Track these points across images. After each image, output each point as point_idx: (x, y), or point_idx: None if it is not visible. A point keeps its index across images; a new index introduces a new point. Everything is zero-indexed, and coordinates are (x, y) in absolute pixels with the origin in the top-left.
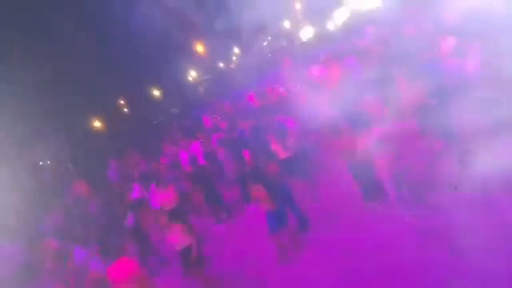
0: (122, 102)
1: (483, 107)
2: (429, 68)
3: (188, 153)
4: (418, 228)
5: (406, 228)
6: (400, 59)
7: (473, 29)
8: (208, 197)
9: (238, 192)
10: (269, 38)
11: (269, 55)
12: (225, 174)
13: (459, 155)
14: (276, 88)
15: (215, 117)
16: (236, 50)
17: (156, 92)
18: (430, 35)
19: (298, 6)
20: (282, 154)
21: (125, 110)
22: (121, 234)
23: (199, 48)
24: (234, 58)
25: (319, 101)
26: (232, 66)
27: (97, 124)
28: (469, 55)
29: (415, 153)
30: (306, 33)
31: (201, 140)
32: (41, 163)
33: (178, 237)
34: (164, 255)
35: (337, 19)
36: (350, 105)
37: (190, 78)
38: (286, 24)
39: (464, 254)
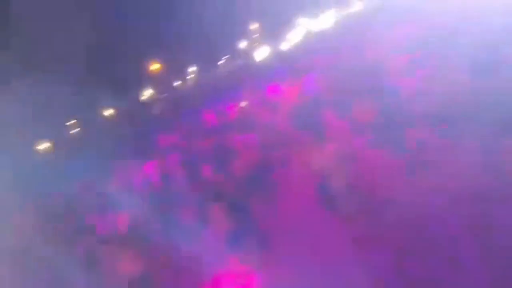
0: (73, 124)
1: (433, 122)
2: (384, 85)
3: (143, 175)
4: (375, 242)
5: (366, 242)
6: (356, 76)
7: (427, 48)
8: (164, 220)
9: (196, 213)
10: (226, 56)
11: (227, 74)
12: (183, 195)
13: (412, 169)
14: (235, 105)
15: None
16: (193, 68)
17: (108, 113)
18: (385, 53)
19: (254, 26)
20: (243, 171)
21: (76, 132)
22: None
23: (154, 66)
24: (191, 76)
25: (278, 118)
26: (189, 84)
27: (44, 147)
28: (422, 72)
29: (372, 168)
30: (263, 52)
31: (156, 161)
32: None
33: (130, 265)
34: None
35: (293, 38)
36: (308, 122)
37: (144, 97)
38: (243, 43)
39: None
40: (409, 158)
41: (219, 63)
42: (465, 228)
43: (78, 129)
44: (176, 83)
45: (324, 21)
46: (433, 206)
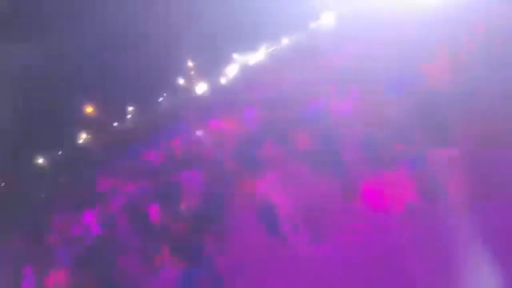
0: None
1: (366, 146)
2: (316, 113)
3: (83, 224)
4: (322, 265)
5: (310, 267)
6: (291, 106)
7: (351, 75)
8: (108, 273)
9: (142, 260)
10: (165, 94)
11: (167, 111)
12: (128, 242)
13: (348, 193)
14: (177, 143)
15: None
16: (131, 108)
17: (42, 161)
18: (316, 83)
19: (191, 62)
20: (191, 209)
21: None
22: None
23: (89, 109)
24: (130, 116)
25: (221, 152)
26: (129, 124)
27: None
28: (348, 98)
29: (313, 194)
30: (202, 87)
31: (97, 207)
32: None
33: None
34: None
35: (231, 73)
36: (250, 154)
37: (81, 141)
38: (181, 80)
39: None
40: (347, 183)
41: (158, 100)
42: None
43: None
44: (115, 124)
45: (260, 54)
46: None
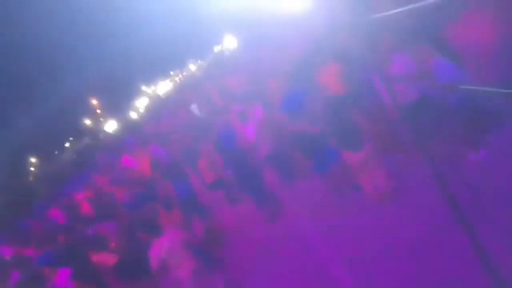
0: None
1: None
2: (226, 138)
3: None
4: None
5: None
6: (199, 135)
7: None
8: None
9: None
10: (71, 139)
11: (74, 157)
12: None
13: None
14: (86, 193)
15: None
16: (33, 160)
17: None
18: (221, 109)
19: (94, 101)
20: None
21: None
22: None
23: None
24: (32, 169)
25: (135, 196)
26: (31, 179)
27: None
28: (251, 118)
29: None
30: (110, 125)
31: None
32: None
33: None
34: None
35: (140, 108)
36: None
37: None
38: (87, 121)
39: None
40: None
41: (65, 146)
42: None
43: None
44: (14, 182)
45: (165, 85)
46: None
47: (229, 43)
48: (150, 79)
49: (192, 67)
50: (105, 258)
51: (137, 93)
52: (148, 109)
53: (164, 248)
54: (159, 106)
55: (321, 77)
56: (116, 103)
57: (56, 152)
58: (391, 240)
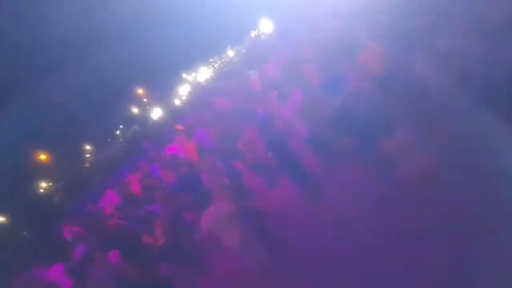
0: None
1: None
2: (266, 122)
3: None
4: None
5: None
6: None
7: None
8: None
9: None
10: (121, 126)
11: (125, 144)
12: None
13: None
14: (138, 177)
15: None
16: (88, 147)
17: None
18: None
19: (141, 90)
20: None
21: None
22: None
23: (42, 156)
24: (87, 156)
25: (183, 181)
26: (87, 165)
27: None
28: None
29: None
30: (156, 113)
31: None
32: None
33: None
34: None
35: (182, 95)
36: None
37: (41, 190)
38: (134, 109)
39: None
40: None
41: (115, 133)
42: None
43: None
44: (74, 168)
45: (205, 72)
46: None
47: (265, 27)
48: (190, 66)
49: (231, 53)
50: (154, 240)
51: (179, 81)
52: (191, 96)
53: (212, 221)
54: (201, 93)
55: (359, 58)
56: (160, 91)
57: (108, 140)
58: (433, 223)
